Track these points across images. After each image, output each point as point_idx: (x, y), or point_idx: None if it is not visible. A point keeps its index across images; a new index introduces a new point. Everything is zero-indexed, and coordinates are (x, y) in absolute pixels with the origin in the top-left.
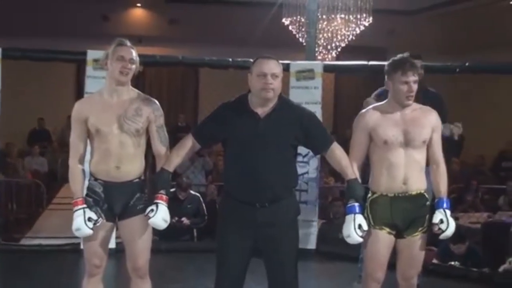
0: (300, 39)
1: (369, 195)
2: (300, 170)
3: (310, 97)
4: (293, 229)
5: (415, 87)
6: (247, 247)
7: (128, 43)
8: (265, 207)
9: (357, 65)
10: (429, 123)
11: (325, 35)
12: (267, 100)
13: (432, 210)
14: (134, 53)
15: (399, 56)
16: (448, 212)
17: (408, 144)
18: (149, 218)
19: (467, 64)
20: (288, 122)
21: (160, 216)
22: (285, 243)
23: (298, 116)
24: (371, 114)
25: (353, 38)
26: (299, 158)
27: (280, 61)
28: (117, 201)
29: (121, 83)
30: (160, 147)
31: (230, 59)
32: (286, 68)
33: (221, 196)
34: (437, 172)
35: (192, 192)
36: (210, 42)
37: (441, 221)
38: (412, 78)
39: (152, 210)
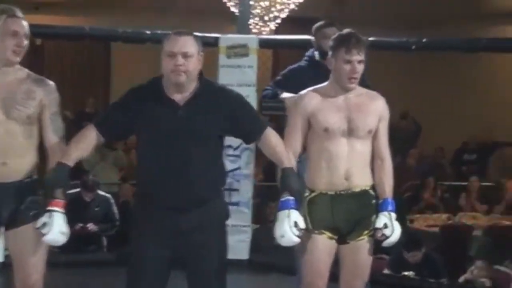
0: (232, 8)
1: (307, 193)
2: (230, 166)
3: (243, 77)
4: (221, 236)
5: (360, 67)
6: (166, 259)
7: (20, 13)
8: (188, 211)
9: (300, 40)
10: (375, 110)
11: (261, 3)
12: (180, 85)
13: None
14: (27, 26)
15: (346, 30)
16: (393, 215)
17: (351, 133)
18: (43, 235)
19: (424, 40)
20: (212, 109)
21: (57, 229)
22: (211, 253)
23: (223, 100)
24: (310, 97)
25: (295, 8)
26: (229, 151)
27: (208, 34)
28: (3, 206)
29: (11, 63)
30: (53, 138)
31: (148, 32)
32: (214, 42)
33: (134, 199)
34: (381, 168)
35: (100, 192)
36: (124, 10)
37: (385, 226)
38: (357, 57)
39: (44, 224)
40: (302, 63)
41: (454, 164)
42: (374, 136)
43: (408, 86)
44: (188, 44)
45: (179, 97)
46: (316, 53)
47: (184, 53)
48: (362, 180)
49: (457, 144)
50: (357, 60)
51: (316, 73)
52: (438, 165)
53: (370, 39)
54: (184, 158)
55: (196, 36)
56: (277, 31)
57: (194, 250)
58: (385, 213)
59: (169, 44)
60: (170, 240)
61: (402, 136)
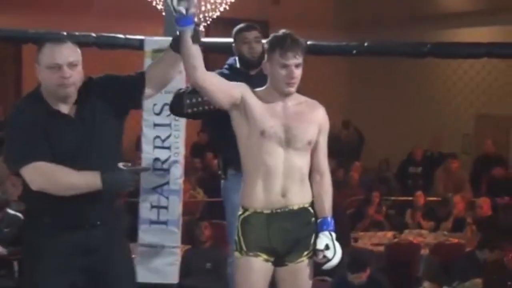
0: (159, 7)
1: (240, 212)
2: (157, 181)
3: (171, 84)
4: (130, 254)
5: (297, 72)
6: (71, 285)
7: None
8: (95, 228)
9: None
10: (315, 120)
11: None
12: (69, 97)
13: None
14: None
15: (281, 31)
16: (334, 235)
17: (289, 144)
18: None
19: (366, 44)
20: (98, 105)
21: None
22: (124, 274)
23: (98, 87)
24: (251, 91)
25: (227, 8)
26: (157, 165)
27: (132, 36)
28: None
29: None
30: None
31: (65, 33)
32: (139, 45)
33: (27, 220)
34: (320, 184)
35: (10, 211)
36: (37, 9)
37: (327, 247)
38: (294, 60)
39: None
40: (224, 71)
41: (399, 178)
42: (313, 148)
43: (349, 93)
44: (72, 52)
45: (66, 108)
46: (236, 60)
47: (70, 63)
48: (300, 197)
49: (403, 155)
50: (294, 64)
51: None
52: (383, 178)
53: (308, 42)
54: (87, 168)
55: (74, 42)
56: (208, 32)
57: (102, 272)
58: (326, 232)
59: (50, 55)
60: (75, 263)
61: (344, 147)
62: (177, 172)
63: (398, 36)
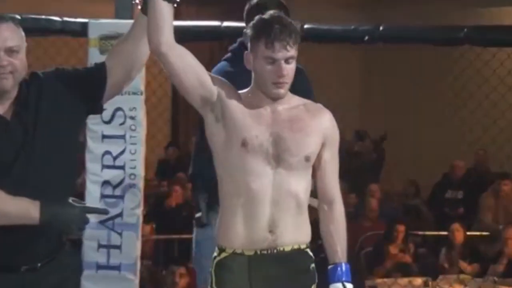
0: None
1: (215, 253)
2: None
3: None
4: None
5: (289, 68)
6: None
7: None
8: (34, 271)
9: (204, 28)
10: (318, 129)
11: None
12: (5, 92)
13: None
14: None
15: (268, 13)
16: (349, 286)
17: (280, 160)
18: None
19: (382, 28)
20: (52, 109)
21: None
22: None
23: (55, 87)
24: (233, 89)
25: None
26: (107, 190)
27: (73, 19)
28: None
29: None
30: None
31: None
32: (81, 31)
33: None
34: (330, 216)
35: None
36: None
37: None
38: (284, 53)
39: None
40: (228, 59)
41: (432, 205)
42: (316, 167)
43: (364, 94)
44: (14, 35)
45: (1, 108)
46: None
47: (9, 49)
48: (294, 235)
49: (436, 176)
50: (284, 58)
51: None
52: (410, 207)
53: (306, 26)
54: (27, 190)
55: (17, 22)
56: (178, 13)
57: None
58: (338, 284)
59: None
60: None
61: (358, 165)
62: (134, 200)
63: (424, 18)
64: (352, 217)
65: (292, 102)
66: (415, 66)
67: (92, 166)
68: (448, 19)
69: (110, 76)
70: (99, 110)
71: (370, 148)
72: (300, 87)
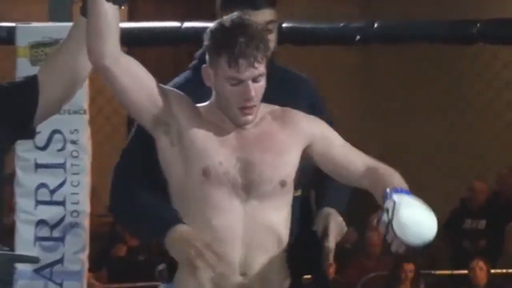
0: None
1: None
2: (44, 256)
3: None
4: None
5: (259, 87)
6: None
7: None
8: None
9: (161, 29)
10: (294, 138)
11: None
12: None
13: None
14: None
15: (230, 17)
16: (406, 197)
17: (250, 190)
18: None
19: (377, 25)
20: None
21: None
22: None
23: None
24: (191, 102)
25: None
26: (43, 232)
27: None
28: None
29: None
30: None
31: None
32: (8, 37)
33: None
34: (374, 171)
35: None
36: None
37: (387, 211)
38: (250, 72)
39: None
40: (188, 74)
41: (449, 237)
42: (334, 166)
43: (363, 102)
44: None
45: None
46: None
47: None
48: (274, 276)
49: (453, 201)
50: (252, 77)
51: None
52: None
53: (284, 25)
54: None
55: None
56: (132, 13)
57: None
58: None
59: None
60: None
61: (355, 191)
62: (78, 242)
63: (431, 11)
64: (350, 255)
65: (259, 114)
66: (420, 70)
67: (23, 203)
68: (460, 12)
69: (43, 93)
70: (29, 134)
71: None
72: (306, 102)
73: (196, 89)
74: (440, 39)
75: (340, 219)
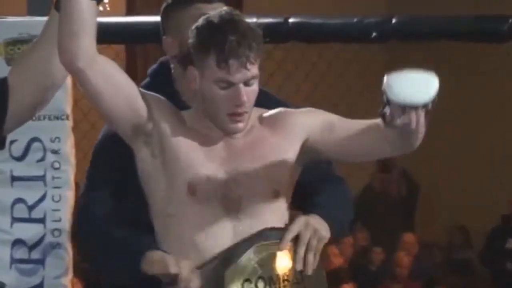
0: None
1: None
2: (23, 281)
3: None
4: None
5: (251, 92)
6: None
7: None
8: None
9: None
10: (287, 141)
11: None
12: None
13: None
14: None
15: (218, 12)
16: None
17: (240, 206)
18: None
19: (394, 20)
20: None
21: None
22: None
23: None
24: (174, 110)
25: None
26: (20, 253)
27: None
28: None
29: None
30: None
31: None
32: None
33: None
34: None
35: None
36: None
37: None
38: (242, 74)
39: None
40: (147, 82)
41: (488, 260)
42: (341, 147)
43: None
44: None
45: None
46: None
47: None
48: None
49: (493, 220)
50: (244, 80)
51: (175, 102)
52: (457, 262)
53: (291, 21)
54: None
55: None
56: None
57: None
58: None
59: None
60: None
61: (383, 207)
62: (60, 265)
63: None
64: (376, 278)
65: (252, 121)
66: (457, 72)
67: None
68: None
69: (13, 97)
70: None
71: (399, 182)
72: None
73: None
74: (466, 36)
75: (319, 223)
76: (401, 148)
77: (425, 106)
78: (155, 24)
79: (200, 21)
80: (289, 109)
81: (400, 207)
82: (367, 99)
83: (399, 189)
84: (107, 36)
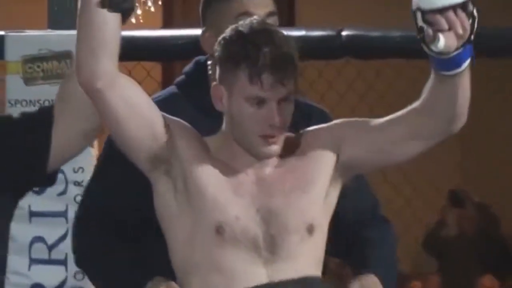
0: None
1: None
2: None
3: None
4: None
5: (287, 111)
6: None
7: None
8: None
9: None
10: (319, 155)
11: None
12: None
13: None
14: None
15: (249, 21)
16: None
17: (275, 248)
18: None
19: None
20: None
21: None
22: None
23: None
24: (196, 135)
25: None
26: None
27: None
28: None
29: None
30: None
31: None
32: None
33: None
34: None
35: None
36: None
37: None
38: (277, 91)
39: None
40: (173, 88)
41: None
42: (374, 146)
43: (465, 136)
44: None
45: None
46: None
47: None
48: None
49: None
50: (279, 98)
51: (207, 116)
52: None
53: (345, 33)
54: None
55: None
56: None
57: None
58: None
59: None
60: None
61: (458, 246)
62: None
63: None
64: None
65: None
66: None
67: (15, 261)
68: None
69: (57, 126)
70: (45, 180)
71: (476, 217)
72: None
73: (181, 105)
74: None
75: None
76: (446, 118)
77: (464, 4)
78: (195, 38)
79: (228, 31)
80: (316, 127)
81: (477, 245)
82: None
83: (476, 224)
84: (139, 52)
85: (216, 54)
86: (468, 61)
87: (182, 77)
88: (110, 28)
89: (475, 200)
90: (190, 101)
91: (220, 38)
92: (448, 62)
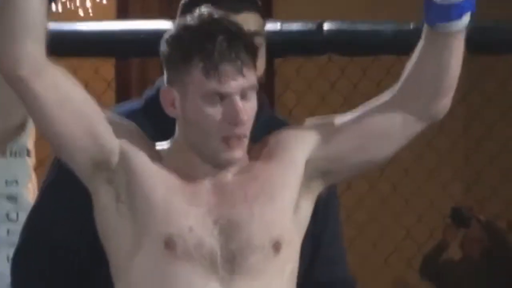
0: None
1: None
2: None
3: None
4: None
5: (250, 107)
6: None
7: None
8: None
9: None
10: (286, 159)
11: None
12: None
13: None
14: None
15: (202, 11)
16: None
17: (235, 264)
18: None
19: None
20: None
21: None
22: None
23: None
24: (145, 139)
25: None
26: None
27: None
28: None
29: None
30: None
31: None
32: None
33: None
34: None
35: None
36: None
37: None
38: (238, 82)
39: None
40: (139, 103)
41: None
42: (344, 139)
43: (468, 149)
44: None
45: None
46: None
47: None
48: None
49: None
50: (241, 89)
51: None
52: None
53: (327, 28)
54: None
55: None
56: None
57: None
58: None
59: None
60: None
61: (462, 269)
62: None
63: None
64: None
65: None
66: None
67: None
68: None
69: None
70: None
71: (482, 239)
72: None
73: (145, 125)
74: None
75: None
76: (430, 94)
77: None
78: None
79: (174, 28)
80: (285, 128)
81: (484, 270)
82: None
83: (483, 246)
84: (90, 46)
85: (163, 55)
86: (468, 16)
87: (142, 101)
88: (33, 9)
89: (482, 218)
90: (150, 121)
91: (166, 36)
92: (449, 10)
